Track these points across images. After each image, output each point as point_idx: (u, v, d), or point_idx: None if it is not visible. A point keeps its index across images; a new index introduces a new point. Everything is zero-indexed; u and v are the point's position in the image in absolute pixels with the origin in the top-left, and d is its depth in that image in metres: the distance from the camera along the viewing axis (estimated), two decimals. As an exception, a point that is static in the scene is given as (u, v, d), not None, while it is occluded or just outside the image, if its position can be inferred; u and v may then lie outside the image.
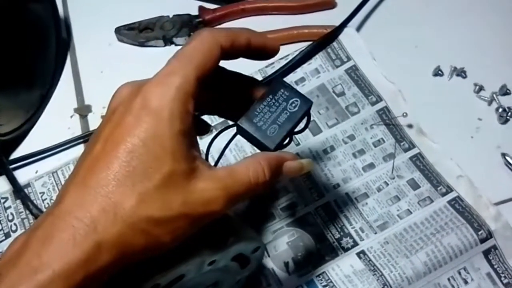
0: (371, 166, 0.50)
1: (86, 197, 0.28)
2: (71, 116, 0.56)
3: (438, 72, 0.55)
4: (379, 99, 0.52)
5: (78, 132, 0.55)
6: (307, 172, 0.36)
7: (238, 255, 0.38)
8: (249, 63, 0.56)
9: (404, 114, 0.51)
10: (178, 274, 0.34)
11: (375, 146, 0.51)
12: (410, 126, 0.51)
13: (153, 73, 0.58)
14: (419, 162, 0.50)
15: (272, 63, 0.55)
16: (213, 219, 0.31)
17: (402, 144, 0.51)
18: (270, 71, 0.54)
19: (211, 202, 0.30)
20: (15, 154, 0.54)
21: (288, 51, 0.56)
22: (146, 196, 0.28)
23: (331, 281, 0.46)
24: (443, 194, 0.48)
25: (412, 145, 0.51)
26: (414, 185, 0.49)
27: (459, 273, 0.46)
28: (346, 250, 0.47)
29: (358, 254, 0.47)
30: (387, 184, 0.49)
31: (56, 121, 0.56)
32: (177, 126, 0.29)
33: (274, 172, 0.33)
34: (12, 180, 0.51)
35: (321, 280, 0.46)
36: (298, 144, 0.51)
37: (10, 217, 0.51)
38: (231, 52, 0.33)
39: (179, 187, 0.29)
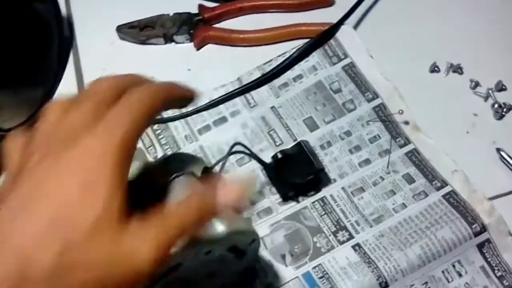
0: (367, 161, 0.51)
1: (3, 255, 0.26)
2: (74, 113, 0.58)
3: (434, 69, 0.56)
4: (376, 96, 0.53)
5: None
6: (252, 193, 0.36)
7: (233, 246, 0.39)
8: (248, 60, 0.58)
9: (400, 112, 0.52)
10: (175, 263, 0.35)
11: (371, 142, 0.52)
12: (406, 123, 0.52)
13: (153, 71, 0.59)
14: (415, 157, 0.51)
15: (270, 60, 0.56)
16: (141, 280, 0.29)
17: (397, 140, 0.52)
18: (268, 68, 0.55)
19: (138, 254, 0.28)
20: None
21: (285, 49, 0.57)
22: (69, 252, 0.27)
23: (326, 273, 0.46)
24: (438, 189, 0.49)
25: (407, 141, 0.51)
26: (410, 180, 0.50)
27: (453, 266, 0.47)
28: (341, 243, 0.48)
29: (353, 247, 0.47)
30: (383, 179, 0.50)
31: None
32: (116, 175, 0.28)
33: (210, 207, 0.31)
34: None
35: (317, 272, 0.47)
36: (295, 140, 0.52)
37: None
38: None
39: (108, 238, 0.28)
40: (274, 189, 0.50)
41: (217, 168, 0.49)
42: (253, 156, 0.50)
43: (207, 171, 0.42)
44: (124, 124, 0.29)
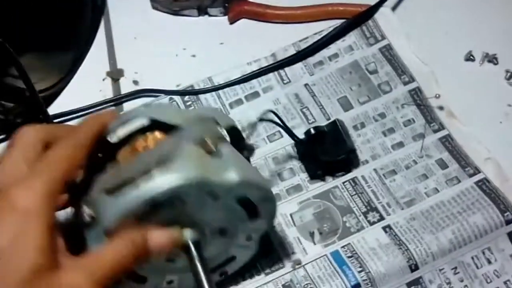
0: (400, 144, 0.50)
1: None
2: (103, 79, 0.57)
3: (469, 57, 0.55)
4: (412, 79, 0.53)
5: (109, 95, 0.56)
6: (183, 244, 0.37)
7: (244, 198, 0.38)
8: (281, 37, 0.57)
9: (437, 96, 0.51)
10: (174, 189, 0.34)
11: (405, 126, 0.51)
12: (441, 108, 0.52)
13: (185, 43, 0.59)
14: (448, 143, 0.50)
15: (306, 38, 0.55)
16: None
17: (432, 125, 0.51)
18: (303, 45, 0.55)
19: None
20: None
21: (319, 28, 0.56)
22: None
23: (356, 253, 0.46)
24: (471, 175, 0.49)
25: (442, 127, 0.51)
26: (442, 165, 0.49)
27: (483, 252, 0.46)
28: (372, 223, 0.47)
29: (384, 228, 0.47)
30: (416, 163, 0.50)
31: (88, 83, 0.57)
32: (44, 222, 0.30)
33: (141, 248, 0.34)
34: None
35: (346, 251, 0.46)
36: (328, 119, 0.52)
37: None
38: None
39: (44, 283, 0.29)
40: (303, 167, 0.50)
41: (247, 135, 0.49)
42: (284, 127, 0.49)
43: (237, 133, 0.42)
44: (45, 181, 0.31)
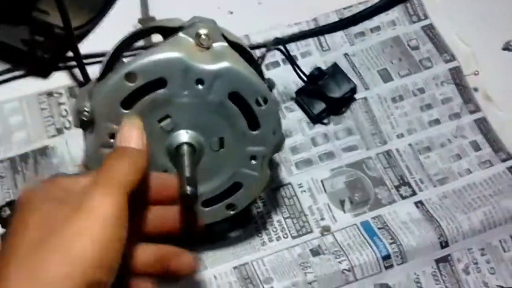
0: (437, 121, 0.50)
1: None
2: (135, 26, 0.55)
3: (507, 47, 0.55)
4: (453, 58, 0.52)
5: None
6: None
7: (235, 93, 0.37)
8: (323, 3, 0.56)
9: (476, 72, 0.51)
10: (150, 63, 0.36)
11: (442, 103, 0.51)
12: (475, 89, 0.51)
13: (221, 1, 0.57)
14: (483, 126, 0.50)
15: (350, 6, 0.54)
16: None
17: (468, 106, 0.51)
18: (347, 13, 0.54)
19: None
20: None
21: (359, -1, 0.55)
22: None
23: (386, 225, 0.46)
24: (503, 160, 0.49)
25: (478, 109, 0.51)
26: (476, 147, 0.49)
27: (511, 237, 0.46)
28: (404, 198, 0.47)
29: (415, 203, 0.47)
30: (450, 142, 0.49)
31: (119, 28, 0.54)
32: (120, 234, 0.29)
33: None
34: (84, 74, 0.49)
35: (376, 222, 0.46)
36: (367, 89, 0.51)
37: (64, 113, 0.49)
38: None
39: None
40: (339, 134, 0.49)
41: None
42: (290, 60, 0.48)
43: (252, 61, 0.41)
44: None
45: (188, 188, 0.33)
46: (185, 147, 0.38)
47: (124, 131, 0.34)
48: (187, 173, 0.35)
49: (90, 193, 0.29)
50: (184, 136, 0.38)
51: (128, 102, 0.37)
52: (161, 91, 0.37)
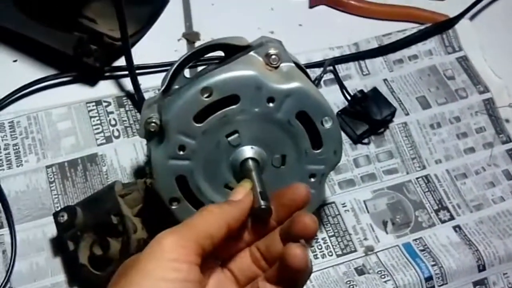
0: (471, 150, 0.52)
1: None
2: (179, 40, 0.56)
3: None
4: (486, 90, 0.55)
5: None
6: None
7: (304, 115, 0.39)
8: (362, 30, 0.57)
9: (511, 105, 0.53)
10: (226, 79, 0.37)
11: (477, 133, 0.53)
12: (507, 120, 0.54)
13: (264, 22, 0.58)
14: (514, 156, 0.53)
15: (390, 34, 0.56)
16: None
17: (500, 136, 0.53)
18: (386, 40, 0.56)
19: None
20: (118, 63, 0.53)
21: (398, 27, 0.57)
22: None
23: (428, 247, 0.47)
24: (535, 191, 0.51)
25: (509, 139, 0.53)
26: (508, 176, 0.51)
27: (543, 263, 0.48)
28: (443, 222, 0.49)
29: (454, 228, 0.48)
30: (484, 170, 0.51)
31: (162, 42, 0.55)
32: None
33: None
34: (136, 85, 0.49)
35: (418, 244, 0.47)
36: (407, 114, 0.53)
37: (113, 122, 0.49)
38: None
39: None
40: (380, 157, 0.51)
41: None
42: (339, 81, 0.50)
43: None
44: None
45: (262, 202, 0.34)
46: (250, 162, 0.39)
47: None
48: (258, 187, 0.36)
49: None
50: (249, 151, 0.39)
51: (201, 116, 0.38)
52: (233, 107, 0.38)
